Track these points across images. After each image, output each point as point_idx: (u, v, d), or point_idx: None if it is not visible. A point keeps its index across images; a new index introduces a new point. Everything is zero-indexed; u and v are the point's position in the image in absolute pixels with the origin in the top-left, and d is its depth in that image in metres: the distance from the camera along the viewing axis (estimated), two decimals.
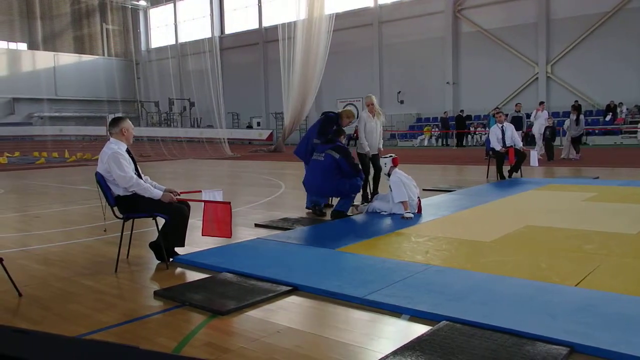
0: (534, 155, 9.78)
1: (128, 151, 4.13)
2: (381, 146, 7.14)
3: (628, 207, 6.02)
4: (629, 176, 9.62)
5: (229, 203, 4.13)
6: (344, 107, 6.75)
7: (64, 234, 5.58)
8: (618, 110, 21.50)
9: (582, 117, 14.26)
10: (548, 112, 14.95)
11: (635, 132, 20.68)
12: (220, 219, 4.08)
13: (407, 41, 26.97)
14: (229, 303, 3.11)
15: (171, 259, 4.17)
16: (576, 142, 14.01)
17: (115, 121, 4.18)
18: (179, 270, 4.02)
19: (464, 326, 2.66)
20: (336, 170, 5.82)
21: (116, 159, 3.94)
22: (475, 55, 25.23)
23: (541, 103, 14.49)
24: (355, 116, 6.60)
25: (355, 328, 2.80)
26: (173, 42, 37.36)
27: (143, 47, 40.87)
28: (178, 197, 4.16)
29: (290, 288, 3.37)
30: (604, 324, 2.63)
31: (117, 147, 4.03)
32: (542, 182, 8.79)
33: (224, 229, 4.07)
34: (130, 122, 4.24)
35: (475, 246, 4.39)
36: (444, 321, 2.73)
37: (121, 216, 4.06)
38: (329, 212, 6.16)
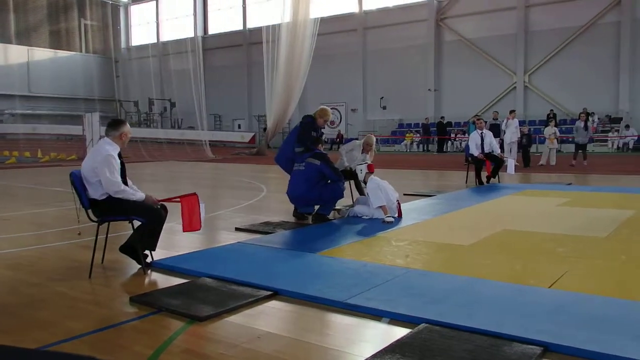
0: (511, 163, 9.88)
1: (119, 155, 4.01)
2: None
3: (599, 212, 6.20)
4: (600, 182, 9.89)
5: (195, 193, 4.07)
6: (318, 108, 6.60)
7: (35, 237, 5.43)
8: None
9: (589, 123, 14.38)
10: (518, 121, 15.20)
11: (606, 141, 21.32)
12: (193, 212, 4.05)
13: (391, 48, 27.25)
14: (208, 308, 3.06)
15: (149, 262, 4.10)
16: (583, 148, 13.94)
17: (117, 123, 4.04)
18: (156, 275, 3.94)
19: (443, 328, 2.69)
20: (319, 177, 5.85)
21: (109, 163, 3.82)
22: (457, 63, 25.65)
23: (511, 112, 14.78)
24: (330, 115, 6.54)
25: (336, 332, 2.80)
26: (154, 40, 36.91)
27: (123, 44, 40.27)
28: (157, 201, 4.10)
29: (270, 293, 3.34)
30: (576, 323, 2.70)
31: (112, 150, 3.91)
32: (518, 187, 8.97)
33: (196, 221, 4.03)
34: (129, 126, 4.13)
35: (454, 250, 4.44)
36: (424, 324, 2.75)
37: (96, 219, 3.95)
38: (310, 216, 6.15)
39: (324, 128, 6.63)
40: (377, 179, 5.95)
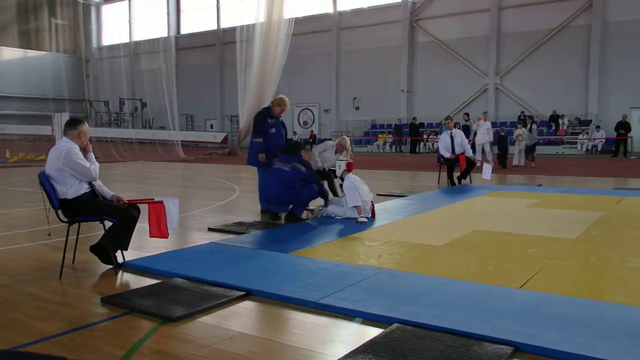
0: (487, 168, 9.80)
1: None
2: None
3: (568, 213, 6.38)
4: (569, 184, 10.19)
5: (162, 202, 4.03)
6: (277, 96, 6.83)
7: (3, 238, 5.26)
8: (560, 121, 22.81)
9: (534, 126, 15.10)
10: (490, 123, 15.52)
11: (575, 143, 22.02)
12: (160, 220, 3.99)
13: (365, 48, 27.45)
14: (180, 309, 3.04)
15: (121, 262, 4.03)
16: (529, 150, 14.62)
17: (75, 123, 4.00)
18: (128, 275, 3.88)
19: (415, 328, 2.73)
20: (300, 181, 5.91)
21: (74, 154, 3.82)
22: (430, 64, 26.02)
23: (484, 113, 15.07)
24: (288, 105, 6.67)
25: (308, 332, 2.81)
26: (126, 40, 36.18)
27: (94, 44, 39.37)
28: (124, 201, 4.04)
29: (243, 293, 3.33)
30: (546, 323, 2.76)
31: (72, 146, 3.89)
32: (489, 188, 9.17)
33: (164, 229, 3.99)
34: (88, 125, 4.10)
35: (426, 250, 4.52)
36: (396, 324, 2.79)
37: (66, 220, 3.88)
38: (283, 216, 6.15)
39: (281, 117, 6.72)
40: (355, 177, 5.99)
